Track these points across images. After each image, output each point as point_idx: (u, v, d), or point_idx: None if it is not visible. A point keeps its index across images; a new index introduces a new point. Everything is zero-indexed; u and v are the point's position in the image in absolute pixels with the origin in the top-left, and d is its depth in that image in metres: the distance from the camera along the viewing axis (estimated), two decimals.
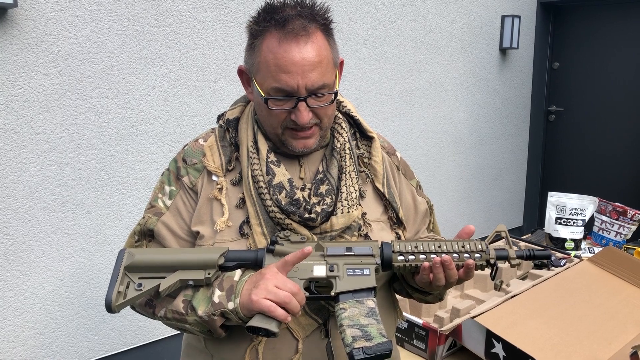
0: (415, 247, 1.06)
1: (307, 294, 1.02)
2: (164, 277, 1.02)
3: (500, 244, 1.11)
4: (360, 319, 0.99)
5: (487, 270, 1.14)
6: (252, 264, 1.05)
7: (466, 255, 1.06)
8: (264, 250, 1.05)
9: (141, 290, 1.01)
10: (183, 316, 1.03)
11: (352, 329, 0.97)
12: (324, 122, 1.09)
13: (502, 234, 1.10)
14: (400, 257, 1.06)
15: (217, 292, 1.01)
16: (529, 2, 4.49)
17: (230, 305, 0.98)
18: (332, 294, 1.02)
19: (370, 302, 1.02)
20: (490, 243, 1.10)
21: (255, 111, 1.15)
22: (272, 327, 0.96)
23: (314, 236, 1.09)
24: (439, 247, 1.06)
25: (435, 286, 1.07)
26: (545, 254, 1.10)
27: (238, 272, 1.03)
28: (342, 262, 1.04)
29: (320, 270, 1.04)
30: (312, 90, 1.03)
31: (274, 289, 0.96)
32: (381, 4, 3.39)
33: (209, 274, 1.02)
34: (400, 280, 1.19)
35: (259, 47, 1.04)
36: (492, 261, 1.07)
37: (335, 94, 1.08)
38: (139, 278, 1.02)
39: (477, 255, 1.06)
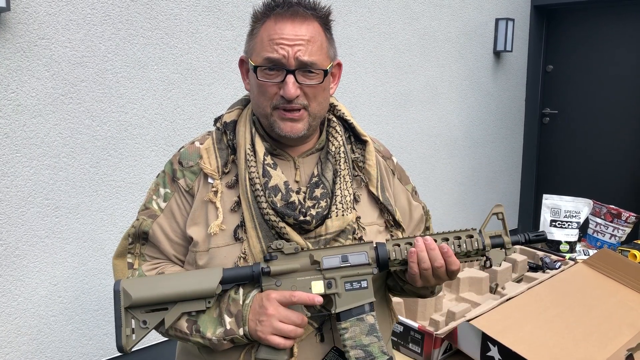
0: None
1: (309, 313, 1.04)
2: (166, 309, 1.05)
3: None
4: (362, 338, 1.03)
5: (483, 274, 1.13)
6: (250, 282, 1.06)
7: (460, 249, 1.06)
8: (259, 266, 1.05)
9: (147, 328, 1.04)
10: (187, 336, 1.06)
11: (355, 350, 1.02)
12: (313, 106, 1.09)
13: (499, 215, 1.09)
14: (396, 261, 1.07)
15: (227, 318, 1.04)
16: (523, 5, 4.51)
17: (241, 332, 1.03)
18: (333, 312, 1.04)
19: (370, 318, 1.04)
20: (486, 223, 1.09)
21: (253, 113, 1.15)
22: (281, 357, 1.01)
23: (309, 243, 1.08)
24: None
25: (425, 281, 1.07)
26: (541, 238, 1.11)
27: (240, 292, 1.05)
28: (339, 276, 1.05)
29: (318, 287, 1.05)
30: (301, 63, 1.05)
31: (279, 324, 1.00)
32: (376, 7, 3.39)
33: (209, 302, 1.05)
34: (393, 275, 1.19)
35: (257, 30, 1.09)
36: (488, 249, 1.07)
37: (326, 73, 1.08)
38: (142, 312, 1.04)
39: (473, 250, 1.06)
